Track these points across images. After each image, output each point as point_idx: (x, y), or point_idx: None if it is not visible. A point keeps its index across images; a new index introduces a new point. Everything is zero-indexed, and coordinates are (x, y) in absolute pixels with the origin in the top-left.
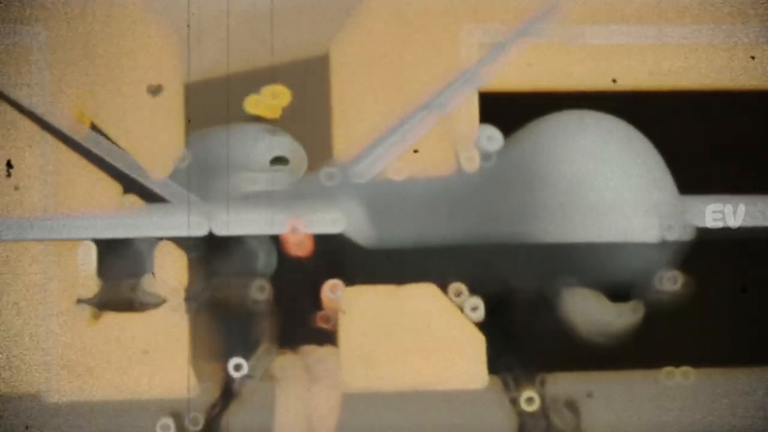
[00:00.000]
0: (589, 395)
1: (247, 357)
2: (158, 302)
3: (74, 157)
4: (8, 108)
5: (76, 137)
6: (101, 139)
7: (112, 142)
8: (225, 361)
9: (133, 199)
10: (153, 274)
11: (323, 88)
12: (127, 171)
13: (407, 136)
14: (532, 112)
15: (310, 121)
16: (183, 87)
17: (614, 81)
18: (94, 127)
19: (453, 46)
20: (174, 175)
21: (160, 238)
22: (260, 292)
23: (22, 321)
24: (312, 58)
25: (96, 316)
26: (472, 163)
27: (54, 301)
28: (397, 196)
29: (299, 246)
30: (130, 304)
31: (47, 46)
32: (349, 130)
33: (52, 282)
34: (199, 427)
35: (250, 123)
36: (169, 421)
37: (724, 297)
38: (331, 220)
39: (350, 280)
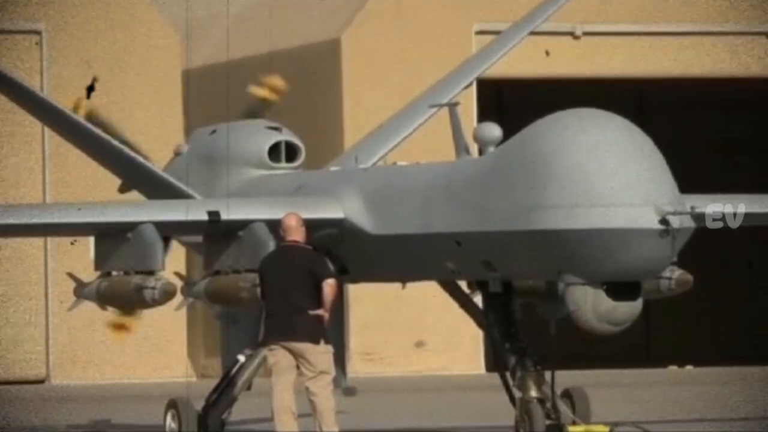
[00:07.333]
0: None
1: (244, 347)
2: (167, 299)
3: (75, 150)
4: (9, 103)
5: (77, 130)
6: (101, 132)
7: (113, 136)
8: (224, 351)
9: (133, 192)
10: (162, 269)
11: (334, 75)
12: (128, 164)
13: (411, 124)
14: (533, 103)
15: (320, 108)
16: (183, 77)
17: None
18: (92, 118)
19: (463, 36)
20: (174, 169)
21: (162, 229)
22: (254, 284)
23: (28, 310)
24: (323, 46)
25: (119, 328)
26: (473, 153)
27: (59, 290)
28: (400, 183)
29: None
30: (137, 301)
31: (47, 41)
32: (358, 118)
33: (56, 272)
34: (200, 412)
35: (250, 119)
36: (172, 407)
37: (726, 294)
38: (335, 206)
39: (351, 265)
